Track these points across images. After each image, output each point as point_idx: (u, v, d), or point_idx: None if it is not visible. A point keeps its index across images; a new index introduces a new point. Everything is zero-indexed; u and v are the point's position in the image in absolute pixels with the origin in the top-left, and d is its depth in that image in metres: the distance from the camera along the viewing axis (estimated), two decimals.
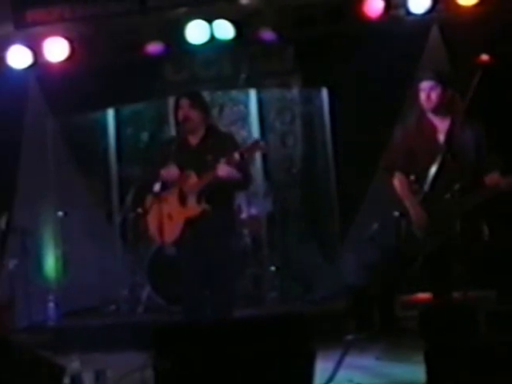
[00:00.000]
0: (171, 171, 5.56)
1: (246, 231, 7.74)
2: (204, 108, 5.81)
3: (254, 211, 7.83)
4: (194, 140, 5.75)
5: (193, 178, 5.56)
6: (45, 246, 8.00)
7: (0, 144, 7.89)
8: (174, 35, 7.97)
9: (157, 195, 5.34)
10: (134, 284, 7.70)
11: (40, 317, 7.47)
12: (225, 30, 7.92)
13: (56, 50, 8.00)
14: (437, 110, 5.30)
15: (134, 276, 7.74)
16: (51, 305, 7.41)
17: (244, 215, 7.86)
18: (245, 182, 5.65)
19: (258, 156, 7.42)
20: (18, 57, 8.02)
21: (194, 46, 7.94)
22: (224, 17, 7.83)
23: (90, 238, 7.93)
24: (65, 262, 8.04)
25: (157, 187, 5.37)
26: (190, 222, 5.55)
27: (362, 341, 5.81)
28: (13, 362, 4.59)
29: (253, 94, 7.51)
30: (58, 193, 7.98)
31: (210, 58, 8.34)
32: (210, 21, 7.85)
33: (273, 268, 7.65)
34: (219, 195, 5.54)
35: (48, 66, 8.05)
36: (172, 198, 5.62)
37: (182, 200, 5.60)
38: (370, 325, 6.50)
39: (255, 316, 6.02)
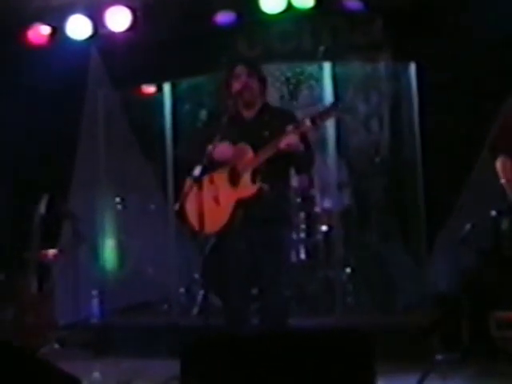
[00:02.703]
0: (223, 148, 4.71)
1: (318, 227, 6.78)
2: (263, 79, 4.98)
3: (328, 204, 6.85)
4: (248, 114, 4.89)
5: (249, 154, 4.70)
6: (100, 234, 7.31)
7: (58, 122, 7.33)
8: (247, 3, 7.18)
9: (197, 180, 4.42)
10: (192, 281, 6.87)
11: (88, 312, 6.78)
12: None
13: (118, 19, 7.42)
14: None
15: (192, 272, 6.90)
16: (95, 301, 6.68)
17: (317, 208, 6.91)
18: (308, 158, 4.76)
19: (331, 140, 6.41)
20: (78, 27, 7.47)
21: (269, 15, 7.13)
22: None
23: (148, 227, 7.17)
24: (120, 252, 7.33)
25: (197, 171, 4.46)
26: (241, 205, 4.68)
27: (451, 363, 5.02)
28: (18, 374, 3.86)
29: (327, 68, 6.49)
30: (115, 175, 7.26)
31: (288, 29, 7.38)
32: None
33: (348, 270, 6.66)
34: (278, 173, 4.72)
35: (109, 36, 7.47)
36: (220, 178, 4.77)
37: (234, 180, 4.74)
38: (457, 344, 5.47)
39: (313, 329, 5.05)
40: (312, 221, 6.84)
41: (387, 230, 6.87)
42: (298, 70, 7.31)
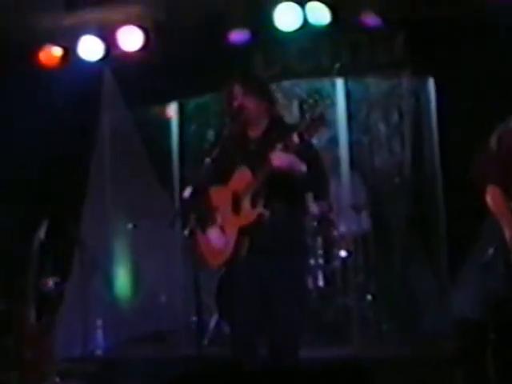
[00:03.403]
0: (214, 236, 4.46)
1: (336, 252, 6.45)
2: (263, 95, 4.60)
3: (346, 228, 6.53)
4: (253, 133, 4.58)
5: (247, 176, 4.37)
6: (111, 261, 7.07)
7: (70, 144, 7.17)
8: (262, 21, 6.94)
9: (188, 202, 4.14)
10: (203, 309, 6.55)
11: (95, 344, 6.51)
12: (320, 13, 6.78)
13: (130, 39, 7.25)
14: None
15: (204, 299, 6.59)
16: (100, 331, 6.40)
17: (336, 233, 6.59)
18: (312, 175, 4.32)
19: (344, 160, 6.10)
20: (90, 48, 7.31)
21: (286, 33, 6.89)
22: None
23: (160, 253, 6.89)
24: (132, 280, 7.07)
25: (186, 192, 4.18)
26: (245, 233, 4.35)
27: None
28: None
29: (340, 84, 6.19)
30: (127, 200, 7.01)
31: (306, 47, 7.11)
32: (301, 4, 6.78)
33: (369, 297, 6.31)
34: (280, 195, 4.34)
35: (122, 56, 7.31)
36: (224, 204, 4.45)
37: (236, 205, 4.40)
38: (482, 376, 5.08)
39: (326, 362, 4.72)
40: (330, 246, 6.52)
41: (409, 254, 6.53)
42: (314, 87, 7.02)
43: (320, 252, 6.54)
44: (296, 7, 6.85)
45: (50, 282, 5.92)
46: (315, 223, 6.55)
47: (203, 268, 4.63)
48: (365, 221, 6.58)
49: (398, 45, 6.98)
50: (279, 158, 4.17)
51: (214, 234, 4.44)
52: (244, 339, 4.48)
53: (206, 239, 4.47)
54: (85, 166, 7.24)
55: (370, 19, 6.83)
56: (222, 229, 4.40)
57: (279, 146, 4.18)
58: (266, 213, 4.28)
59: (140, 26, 7.20)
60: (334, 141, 6.48)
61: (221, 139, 4.55)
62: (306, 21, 6.84)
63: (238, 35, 7.10)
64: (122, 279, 7.19)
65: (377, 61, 6.99)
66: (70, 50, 7.33)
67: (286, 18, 6.87)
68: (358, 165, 6.43)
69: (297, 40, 7.01)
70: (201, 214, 4.46)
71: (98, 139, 7.35)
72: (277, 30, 6.91)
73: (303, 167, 4.24)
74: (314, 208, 6.40)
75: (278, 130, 4.48)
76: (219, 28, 7.13)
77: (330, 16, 6.79)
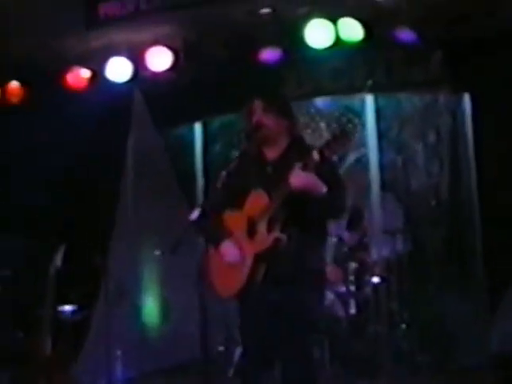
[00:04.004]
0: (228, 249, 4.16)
1: (368, 277, 6.14)
2: (284, 112, 4.30)
3: (379, 252, 6.20)
4: (271, 154, 4.28)
5: (263, 199, 4.09)
6: (135, 289, 6.84)
7: (96, 169, 7.03)
8: (293, 39, 6.74)
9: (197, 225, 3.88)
10: (229, 339, 6.30)
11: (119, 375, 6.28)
12: (352, 30, 6.54)
13: (159, 60, 7.09)
14: None
15: (230, 329, 6.34)
16: (124, 361, 6.15)
17: (368, 257, 6.28)
18: (332, 197, 4.00)
19: (375, 181, 5.79)
20: (118, 69, 7.19)
21: (317, 51, 6.65)
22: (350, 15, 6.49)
23: (185, 279, 6.64)
24: (158, 308, 6.84)
25: (194, 214, 3.94)
26: (260, 260, 4.04)
27: None
28: None
29: (370, 100, 5.89)
30: (154, 223, 6.80)
31: (338, 65, 6.87)
32: (333, 20, 6.56)
33: (403, 326, 5.97)
34: (297, 219, 4.02)
35: (150, 77, 7.16)
36: (239, 229, 4.16)
37: (251, 230, 4.11)
38: None
39: None
40: (362, 272, 6.19)
41: (446, 281, 6.18)
42: (343, 104, 6.74)
43: (351, 278, 6.22)
44: (328, 24, 6.64)
45: (67, 311, 5.69)
46: (346, 248, 6.24)
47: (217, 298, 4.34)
48: (399, 245, 6.25)
49: (434, 62, 6.70)
50: (297, 177, 3.90)
51: (227, 247, 4.13)
52: (255, 372, 4.18)
53: (219, 259, 4.16)
54: (110, 189, 7.09)
55: (405, 35, 6.56)
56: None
57: (298, 164, 3.91)
58: (284, 237, 3.99)
59: (169, 46, 7.06)
60: (363, 161, 6.17)
61: (236, 159, 4.31)
62: (338, 38, 6.61)
63: (268, 54, 6.92)
64: (149, 308, 6.98)
65: (412, 78, 6.72)
66: (97, 72, 7.25)
67: (318, 36, 6.66)
68: (392, 186, 6.10)
69: (329, 57, 6.77)
70: (212, 235, 4.19)
71: (124, 161, 7.21)
72: (308, 47, 6.69)
73: (323, 188, 3.95)
74: (346, 236, 6.13)
75: (298, 151, 4.17)
76: (249, 47, 6.96)
77: (362, 32, 6.56)
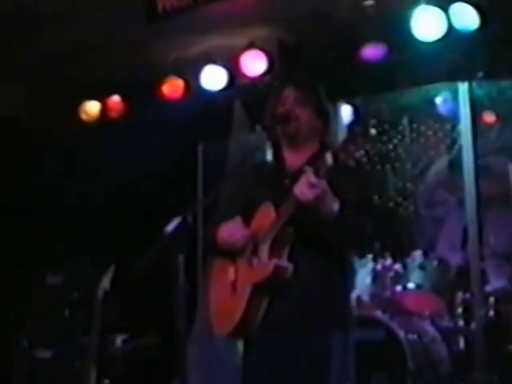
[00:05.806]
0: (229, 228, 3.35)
1: (478, 310, 5.12)
2: (321, 112, 3.41)
3: (491, 281, 5.16)
4: (293, 160, 3.39)
5: (270, 214, 3.25)
6: None
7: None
8: (397, 33, 5.92)
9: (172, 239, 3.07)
10: None
11: None
12: (467, 17, 5.62)
13: (254, 64, 6.52)
14: None
15: None
16: None
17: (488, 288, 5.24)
18: (345, 219, 3.08)
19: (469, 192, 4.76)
20: (213, 77, 6.71)
21: (426, 44, 5.79)
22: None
23: None
24: None
25: (170, 226, 3.10)
26: (259, 292, 3.17)
27: None
28: None
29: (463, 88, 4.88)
30: None
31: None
32: (444, 8, 5.68)
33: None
34: (309, 242, 3.14)
35: (246, 82, 6.69)
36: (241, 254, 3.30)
37: (253, 254, 3.25)
38: None
39: None
40: (471, 303, 5.17)
41: None
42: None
43: (459, 311, 5.21)
44: (439, 11, 5.73)
45: (118, 340, 5.07)
46: (452, 275, 5.25)
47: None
48: None
49: None
50: (303, 187, 3.01)
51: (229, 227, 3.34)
52: None
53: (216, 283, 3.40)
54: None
55: None
56: (233, 287, 3.26)
57: (309, 169, 3.03)
58: (287, 266, 3.12)
59: (264, 50, 6.46)
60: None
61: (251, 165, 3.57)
62: (450, 27, 5.68)
63: (372, 51, 6.13)
64: None
65: None
66: (192, 81, 6.80)
67: (428, 26, 5.76)
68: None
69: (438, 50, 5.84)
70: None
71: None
72: (416, 40, 5.82)
73: (333, 204, 3.07)
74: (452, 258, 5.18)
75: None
76: (351, 45, 6.20)
77: (478, 20, 5.59)
